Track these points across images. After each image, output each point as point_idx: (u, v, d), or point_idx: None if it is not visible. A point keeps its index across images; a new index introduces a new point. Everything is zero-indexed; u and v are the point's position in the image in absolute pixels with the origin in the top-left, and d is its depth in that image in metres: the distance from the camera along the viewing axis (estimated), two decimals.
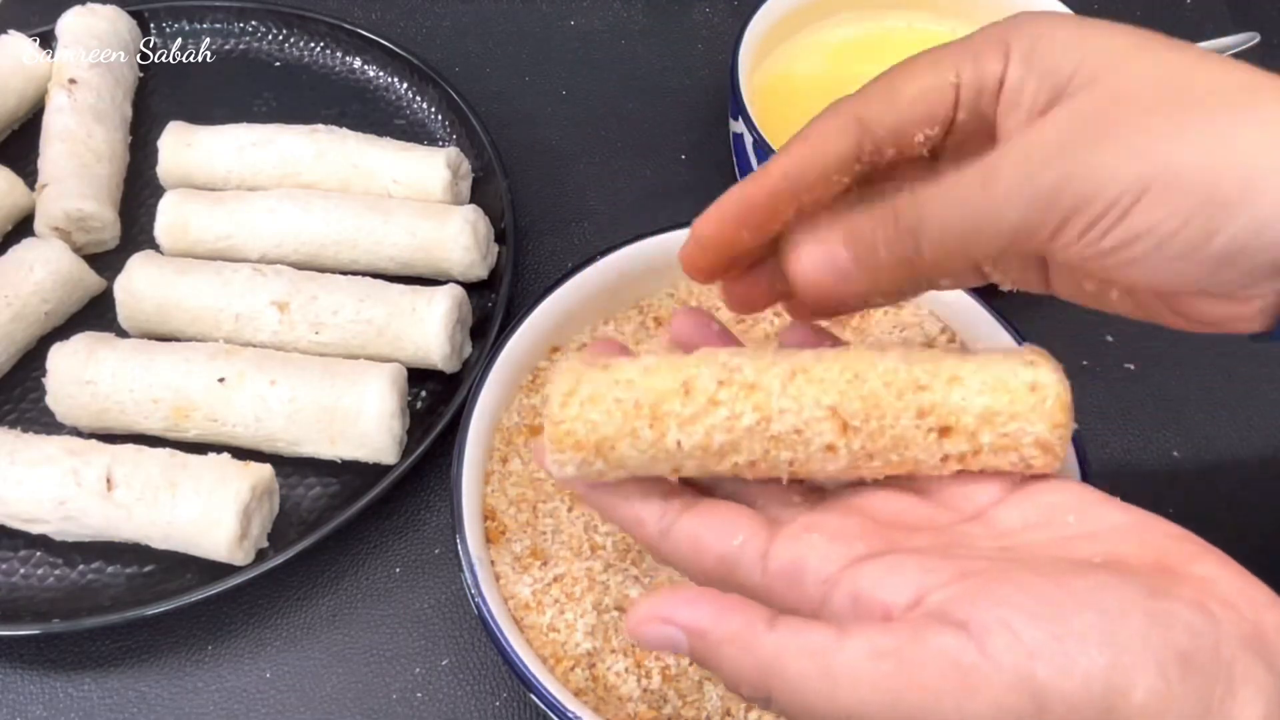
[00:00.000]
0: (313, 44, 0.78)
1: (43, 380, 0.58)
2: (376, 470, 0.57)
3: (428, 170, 0.66)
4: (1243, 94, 0.31)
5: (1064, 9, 0.69)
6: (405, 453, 0.57)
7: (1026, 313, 0.64)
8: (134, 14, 0.76)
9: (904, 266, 0.34)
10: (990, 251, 0.33)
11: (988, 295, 0.54)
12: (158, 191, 0.68)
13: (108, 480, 0.53)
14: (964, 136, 0.36)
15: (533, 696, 0.44)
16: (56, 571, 0.55)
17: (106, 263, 0.66)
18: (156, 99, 0.76)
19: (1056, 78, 0.33)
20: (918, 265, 0.34)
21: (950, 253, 0.33)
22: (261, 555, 0.55)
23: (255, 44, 0.78)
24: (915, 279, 0.35)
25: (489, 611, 0.45)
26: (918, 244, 0.33)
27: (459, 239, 0.63)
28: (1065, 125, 0.32)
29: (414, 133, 0.73)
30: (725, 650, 0.30)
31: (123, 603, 0.53)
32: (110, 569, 0.55)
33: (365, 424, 0.56)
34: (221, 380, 0.56)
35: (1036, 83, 0.33)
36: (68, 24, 0.72)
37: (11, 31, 0.72)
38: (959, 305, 0.54)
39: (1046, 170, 0.31)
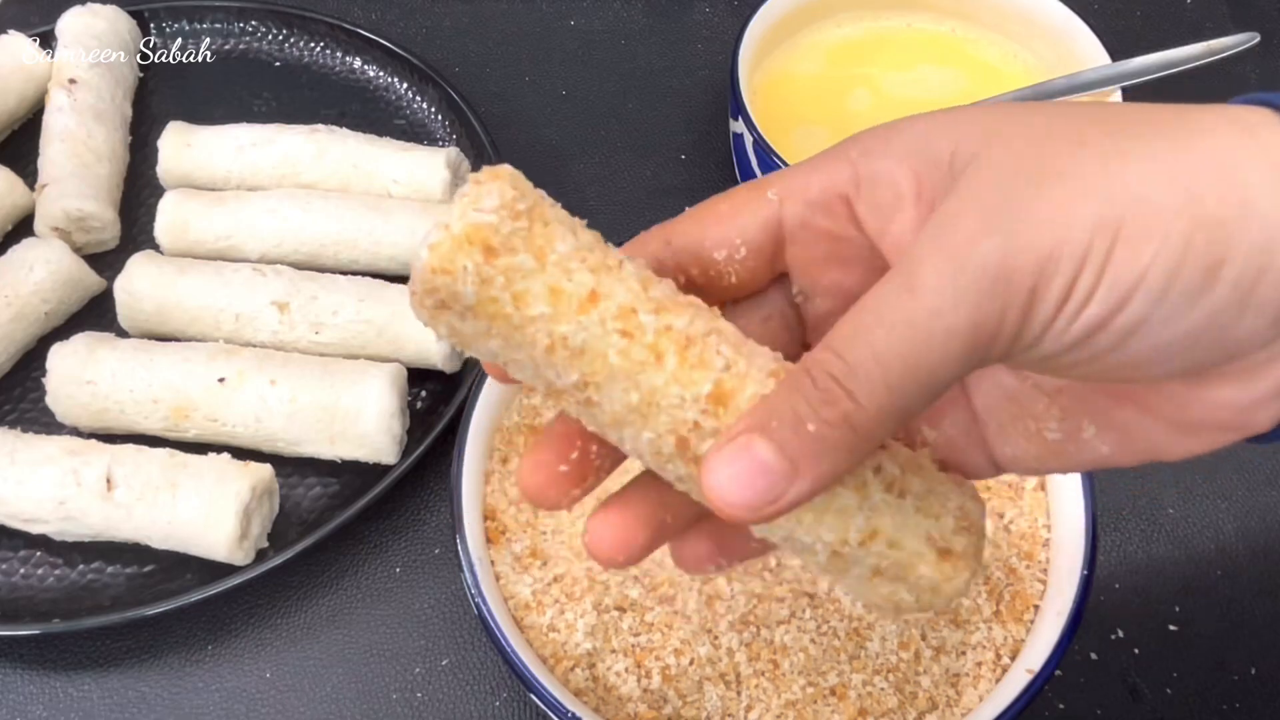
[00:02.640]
0: (313, 44, 0.78)
1: (43, 380, 0.58)
2: (376, 470, 0.57)
3: (428, 170, 0.66)
4: (1182, 114, 0.26)
5: (1066, 10, 0.69)
6: (405, 453, 0.57)
7: None
8: (134, 14, 0.76)
9: (847, 431, 0.25)
10: (949, 373, 0.25)
11: None
12: (158, 191, 0.68)
13: (108, 480, 0.53)
14: (815, 265, 0.31)
15: (533, 696, 0.44)
16: (56, 571, 0.55)
17: (106, 263, 0.66)
18: (156, 99, 0.76)
19: (933, 156, 0.27)
20: (861, 423, 0.25)
21: (899, 390, 0.25)
22: (261, 555, 0.54)
23: (255, 44, 0.78)
24: (864, 444, 0.26)
25: (489, 611, 0.45)
26: (852, 396, 0.25)
27: None
28: (974, 197, 0.25)
29: (414, 133, 0.73)
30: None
31: (123, 603, 0.53)
32: (110, 569, 0.55)
33: (365, 424, 0.56)
34: (221, 380, 0.56)
35: (914, 169, 0.28)
36: (68, 24, 0.72)
37: (11, 31, 0.72)
38: None
39: (978, 246, 0.24)
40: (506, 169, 0.27)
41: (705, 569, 0.32)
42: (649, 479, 0.30)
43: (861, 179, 0.29)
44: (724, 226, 0.30)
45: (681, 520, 0.31)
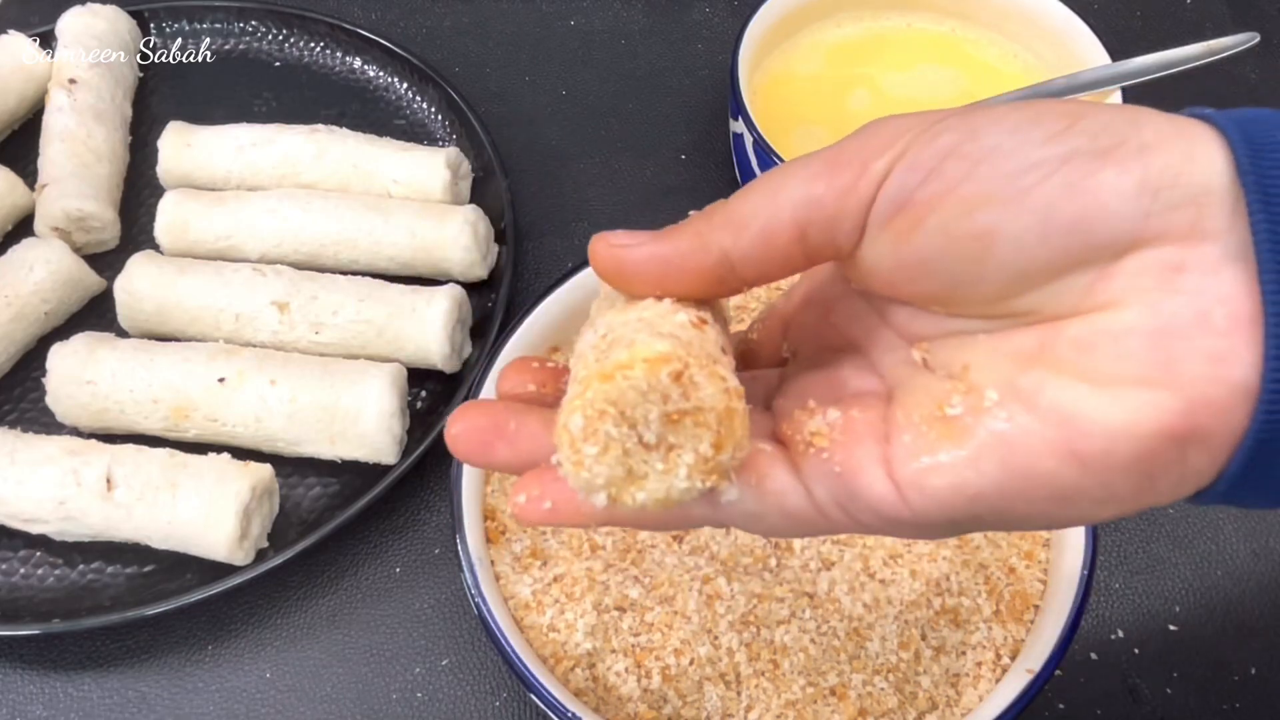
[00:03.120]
0: (313, 44, 0.78)
1: (43, 380, 0.58)
2: (376, 470, 0.57)
3: (428, 170, 0.66)
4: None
5: (1065, 10, 0.69)
6: (405, 453, 0.57)
7: None
8: (134, 14, 0.76)
9: (691, 236, 0.30)
10: (783, 220, 0.28)
11: None
12: (158, 191, 0.68)
13: (108, 480, 0.53)
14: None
15: (533, 696, 0.44)
16: (56, 571, 0.55)
17: (106, 263, 0.66)
18: (156, 99, 0.76)
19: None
20: (701, 228, 0.30)
21: (754, 199, 0.29)
22: (261, 555, 0.55)
23: (255, 44, 0.78)
24: (701, 253, 0.29)
25: (489, 611, 0.45)
26: (709, 221, 0.29)
27: (459, 239, 0.63)
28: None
29: (414, 133, 0.73)
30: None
31: (123, 603, 0.53)
32: (110, 569, 0.55)
33: (365, 424, 0.56)
34: (221, 380, 0.56)
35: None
36: (68, 24, 0.72)
37: (11, 31, 0.72)
38: None
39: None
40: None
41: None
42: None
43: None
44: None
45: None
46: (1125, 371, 0.24)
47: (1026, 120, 0.25)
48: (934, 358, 0.29)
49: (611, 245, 0.30)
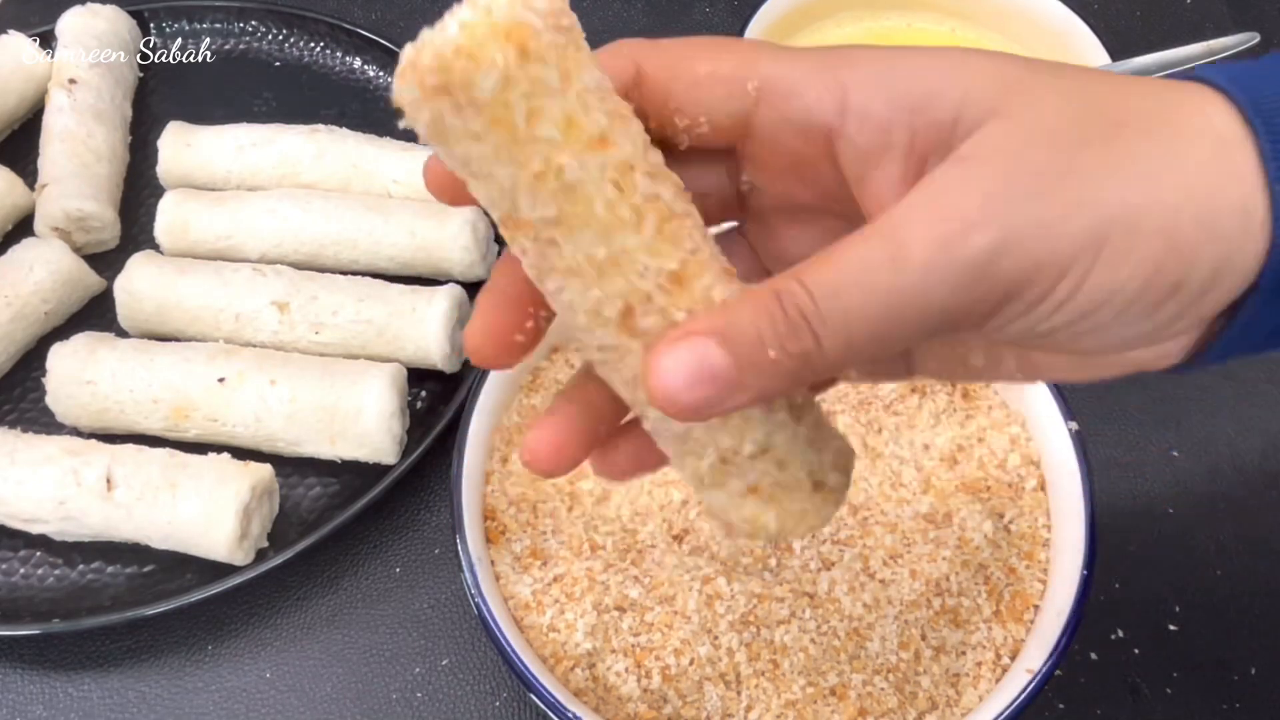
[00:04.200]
0: (313, 44, 0.78)
1: (43, 380, 0.58)
2: (376, 470, 0.57)
3: None
4: (1167, 112, 0.26)
5: (1065, 10, 0.69)
6: (405, 453, 0.57)
7: None
8: (134, 14, 0.76)
9: (801, 365, 0.26)
10: (908, 342, 0.26)
11: None
12: (158, 191, 0.68)
13: (108, 480, 0.53)
14: (773, 169, 0.30)
15: (533, 696, 0.44)
16: (56, 571, 0.55)
17: (106, 263, 0.66)
18: (156, 99, 0.76)
19: (934, 111, 0.27)
20: (816, 363, 0.26)
21: (859, 347, 0.26)
22: (261, 555, 0.55)
23: (255, 44, 0.78)
24: (809, 378, 0.27)
25: (489, 611, 0.45)
26: (817, 339, 0.26)
27: (459, 239, 0.63)
28: (976, 176, 0.25)
29: (414, 133, 0.73)
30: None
31: (123, 603, 0.53)
32: (110, 569, 0.55)
33: (365, 424, 0.56)
34: (221, 380, 0.56)
35: (910, 120, 0.27)
36: (68, 24, 0.72)
37: (11, 31, 0.72)
38: None
39: (972, 238, 0.25)
40: None
41: (623, 478, 0.33)
42: (573, 393, 0.31)
43: (849, 113, 0.28)
44: (694, 93, 0.29)
45: (607, 428, 0.32)
46: (1114, 367, 0.31)
47: (1132, 297, 0.26)
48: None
49: (693, 407, 0.26)
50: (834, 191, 0.30)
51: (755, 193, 0.32)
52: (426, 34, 0.24)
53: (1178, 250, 0.25)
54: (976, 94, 0.26)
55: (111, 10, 0.74)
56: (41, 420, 0.60)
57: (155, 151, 0.69)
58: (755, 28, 0.67)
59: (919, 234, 0.25)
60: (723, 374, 0.26)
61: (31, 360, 0.62)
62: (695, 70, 0.29)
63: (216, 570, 0.54)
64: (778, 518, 0.30)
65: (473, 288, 0.64)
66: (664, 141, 0.29)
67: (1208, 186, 0.25)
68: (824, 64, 0.28)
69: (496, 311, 0.30)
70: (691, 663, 0.46)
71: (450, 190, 0.29)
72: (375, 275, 0.63)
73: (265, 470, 0.55)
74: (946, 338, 0.27)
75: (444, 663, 0.54)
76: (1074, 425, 0.50)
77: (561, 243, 0.26)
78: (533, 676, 0.43)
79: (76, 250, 0.64)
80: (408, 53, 0.24)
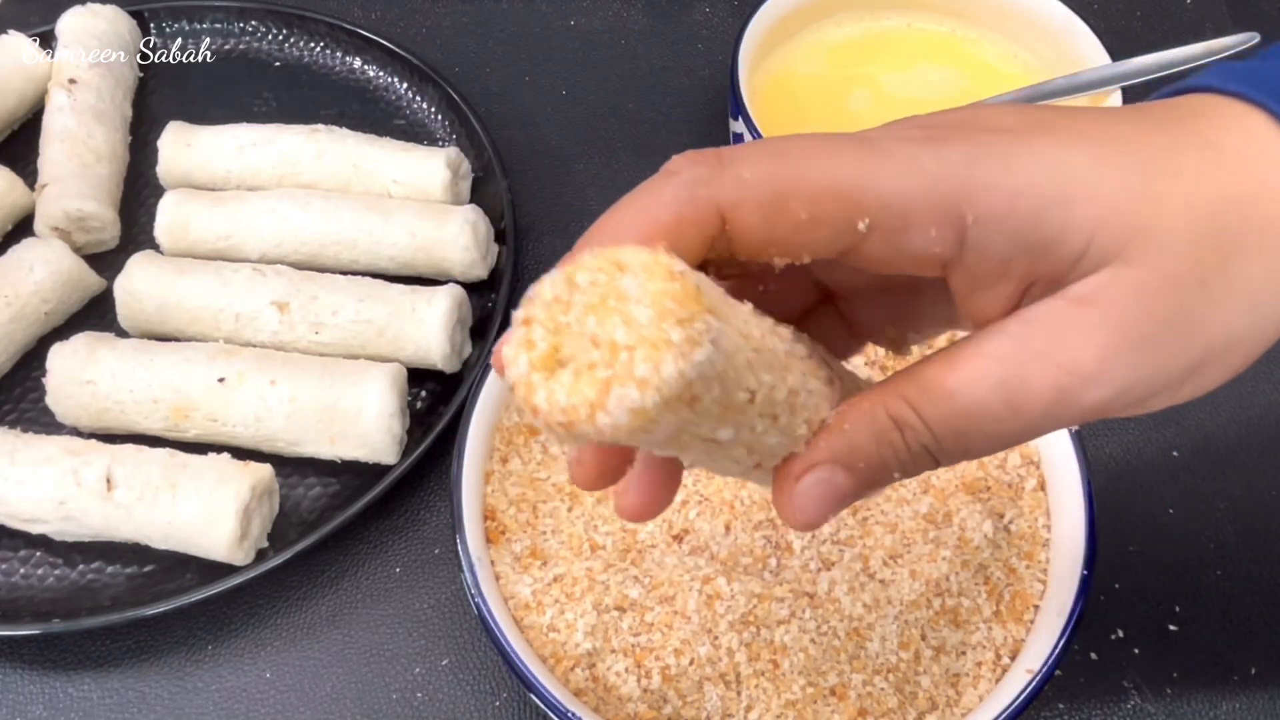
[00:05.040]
0: (313, 44, 0.78)
1: (43, 380, 0.58)
2: (376, 470, 0.57)
3: (428, 170, 0.66)
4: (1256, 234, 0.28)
5: (1066, 10, 0.69)
6: (405, 453, 0.57)
7: None
8: (134, 14, 0.76)
9: (910, 474, 0.29)
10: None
11: None
12: (158, 191, 0.68)
13: (108, 480, 0.53)
14: (869, 272, 0.29)
15: (533, 696, 0.44)
16: (56, 571, 0.55)
17: (106, 263, 0.66)
18: (156, 99, 0.76)
19: (1058, 256, 0.27)
20: (923, 471, 0.29)
21: (955, 462, 0.29)
22: (261, 555, 0.55)
23: (255, 44, 0.78)
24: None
25: (489, 611, 0.45)
26: (936, 462, 0.28)
27: (459, 239, 0.63)
28: (1096, 326, 0.26)
29: (414, 133, 0.73)
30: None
31: (123, 603, 0.53)
32: (110, 569, 0.55)
33: (365, 424, 0.56)
34: (221, 380, 0.56)
35: (1029, 261, 0.27)
36: (68, 24, 0.72)
37: (11, 31, 0.72)
38: None
39: (1090, 392, 0.27)
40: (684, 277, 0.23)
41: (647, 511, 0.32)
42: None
43: (968, 247, 0.27)
44: (797, 238, 0.27)
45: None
46: None
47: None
48: None
49: (812, 520, 0.28)
50: (926, 294, 0.32)
51: (826, 273, 0.33)
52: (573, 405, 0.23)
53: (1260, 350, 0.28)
54: (1102, 239, 0.26)
55: (111, 10, 0.74)
56: (41, 420, 0.60)
57: (155, 151, 0.69)
58: (755, 28, 0.67)
59: (1038, 384, 0.26)
60: (848, 494, 0.28)
61: (31, 360, 0.62)
62: (794, 216, 0.26)
63: (216, 570, 0.54)
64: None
65: (473, 288, 0.64)
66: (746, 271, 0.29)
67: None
68: (942, 191, 0.27)
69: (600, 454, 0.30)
70: (691, 663, 0.46)
71: (601, 478, 0.30)
72: (375, 275, 0.63)
73: (265, 470, 0.55)
74: None
75: (444, 663, 0.54)
76: (1074, 425, 0.50)
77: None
78: (533, 676, 0.43)
79: (76, 250, 0.64)
80: (565, 416, 0.23)
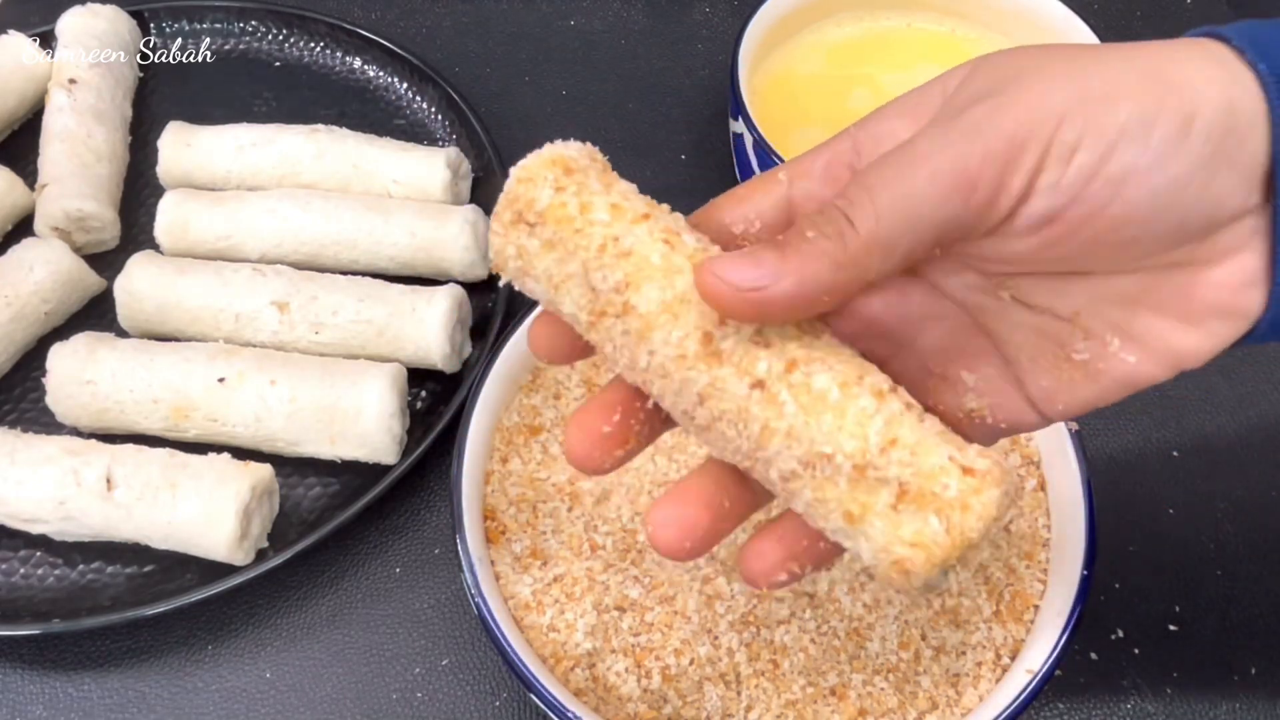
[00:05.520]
0: (313, 44, 0.78)
1: (43, 380, 0.58)
2: (376, 470, 0.57)
3: (428, 170, 0.66)
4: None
5: (1065, 10, 0.69)
6: (405, 453, 0.57)
7: None
8: (134, 14, 0.76)
9: (836, 244, 0.29)
10: (930, 218, 0.28)
11: None
12: (158, 191, 0.68)
13: (108, 480, 0.53)
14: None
15: (533, 696, 0.44)
16: (56, 571, 0.55)
17: (106, 263, 0.66)
18: (156, 99, 0.76)
19: (927, 101, 0.32)
20: (850, 242, 0.29)
21: (885, 223, 0.28)
22: (261, 555, 0.54)
23: (255, 44, 0.78)
24: (854, 268, 0.29)
25: (489, 611, 0.45)
26: (848, 216, 0.29)
27: (459, 239, 0.63)
28: (968, 89, 0.30)
29: (414, 133, 0.73)
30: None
31: (123, 603, 0.53)
32: (110, 569, 0.55)
33: (365, 424, 0.56)
34: (221, 380, 0.56)
35: (912, 116, 0.32)
36: (68, 24, 0.72)
37: (11, 31, 0.72)
38: None
39: (971, 110, 0.29)
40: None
41: (778, 578, 0.33)
42: (701, 474, 0.34)
43: (861, 143, 0.32)
44: (741, 207, 0.33)
45: (739, 505, 0.34)
46: (1212, 310, 0.30)
47: (1142, 124, 0.28)
48: (1026, 296, 0.32)
49: (741, 289, 0.28)
50: None
51: None
52: (504, 191, 0.33)
53: (1174, 90, 0.28)
54: (954, 73, 0.32)
55: (111, 10, 0.74)
56: (41, 420, 0.60)
57: (155, 151, 0.69)
58: (755, 28, 0.67)
59: (923, 131, 0.29)
60: (767, 258, 0.29)
61: (31, 360, 0.62)
62: (734, 195, 0.34)
63: (216, 570, 0.54)
64: (942, 520, 0.28)
65: (473, 288, 0.64)
66: None
67: (1185, 56, 0.29)
68: (831, 139, 0.33)
69: (584, 413, 0.33)
70: (691, 663, 0.46)
71: (560, 349, 0.34)
72: (375, 275, 0.63)
73: (265, 470, 0.55)
74: (983, 225, 0.29)
75: (444, 663, 0.54)
76: (1074, 425, 0.50)
77: (635, 303, 0.30)
78: (533, 676, 0.43)
79: (76, 250, 0.64)
80: (496, 207, 0.33)
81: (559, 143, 0.33)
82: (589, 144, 0.33)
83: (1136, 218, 0.28)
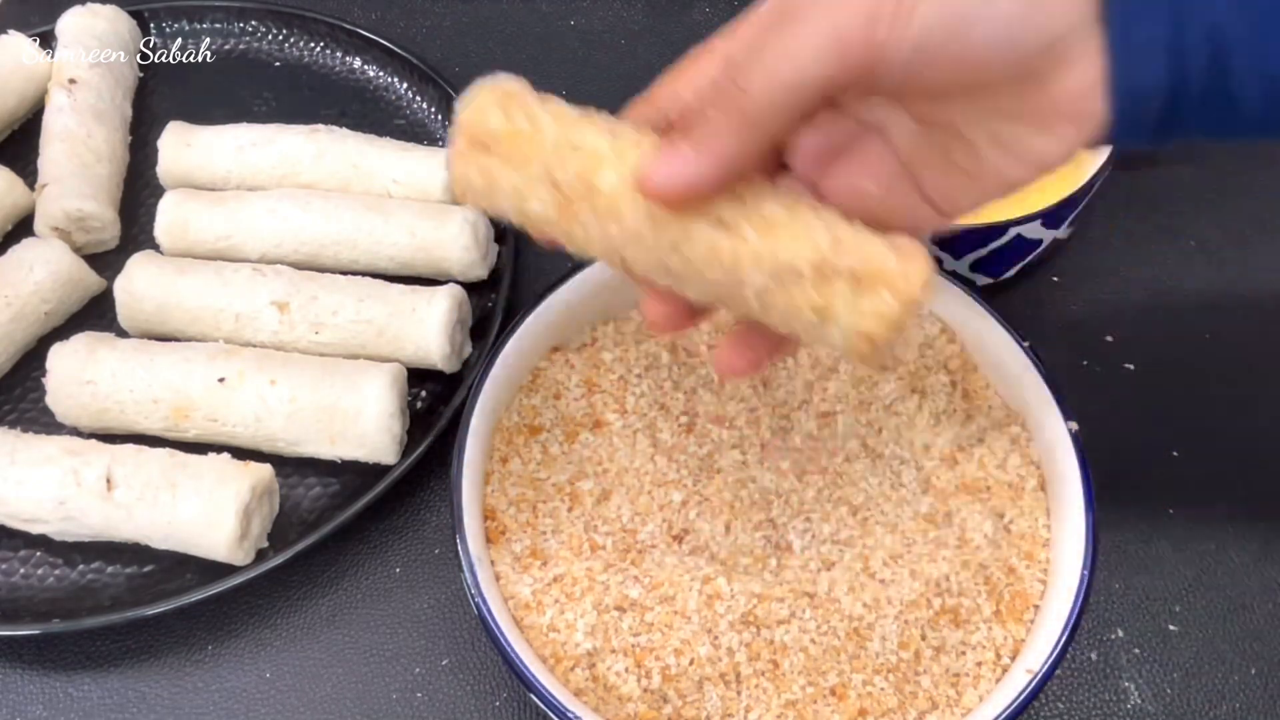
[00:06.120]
0: (313, 44, 0.78)
1: (43, 380, 0.58)
2: (376, 470, 0.57)
3: (427, 170, 0.66)
4: None
5: None
6: (405, 453, 0.57)
7: (1026, 312, 0.64)
8: (134, 14, 0.76)
9: (735, 114, 0.34)
10: (816, 73, 0.33)
11: (988, 294, 0.54)
12: (158, 191, 0.68)
13: (108, 480, 0.53)
14: None
15: (533, 696, 0.44)
16: (56, 571, 0.55)
17: (106, 263, 0.66)
18: (156, 99, 0.76)
19: None
20: (747, 107, 0.33)
21: (776, 82, 0.33)
22: (261, 555, 0.55)
23: (255, 44, 0.78)
24: (749, 130, 0.34)
25: (489, 611, 0.45)
26: (739, 85, 0.33)
27: (459, 239, 0.63)
28: None
29: (414, 133, 0.73)
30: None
31: (123, 603, 0.53)
32: (110, 569, 0.55)
33: (365, 424, 0.56)
34: (221, 380, 0.56)
35: None
36: (68, 24, 0.72)
37: (11, 31, 0.72)
38: (959, 305, 0.54)
39: None
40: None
41: (742, 370, 0.42)
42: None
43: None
44: (688, 76, 0.40)
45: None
46: (1062, 116, 0.34)
47: None
48: (914, 112, 0.37)
49: (675, 185, 0.34)
50: None
51: None
52: (454, 123, 0.37)
53: None
54: None
55: (111, 10, 0.74)
56: (41, 420, 0.60)
57: (155, 151, 0.69)
58: None
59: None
60: (685, 151, 0.34)
61: (31, 360, 0.62)
62: (681, 69, 0.41)
63: (216, 570, 0.54)
64: (891, 292, 0.35)
65: (473, 288, 0.64)
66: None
67: None
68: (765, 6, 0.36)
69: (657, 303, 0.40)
70: (691, 663, 0.46)
71: (675, 318, 0.41)
72: (375, 275, 0.63)
73: (265, 470, 0.55)
74: (869, 75, 0.33)
75: (444, 663, 0.54)
76: (1074, 425, 0.50)
77: (598, 185, 0.36)
78: (533, 676, 0.43)
79: (76, 250, 0.64)
80: (451, 139, 0.38)
81: (491, 76, 0.38)
82: (516, 75, 0.38)
83: (979, 50, 0.33)
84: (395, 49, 0.74)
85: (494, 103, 0.37)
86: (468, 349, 0.62)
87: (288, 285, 0.60)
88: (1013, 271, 0.65)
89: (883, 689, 0.46)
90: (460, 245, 0.63)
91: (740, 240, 0.35)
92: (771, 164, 0.39)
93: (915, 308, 0.36)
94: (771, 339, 0.40)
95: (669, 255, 0.36)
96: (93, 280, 0.64)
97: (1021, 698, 0.43)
